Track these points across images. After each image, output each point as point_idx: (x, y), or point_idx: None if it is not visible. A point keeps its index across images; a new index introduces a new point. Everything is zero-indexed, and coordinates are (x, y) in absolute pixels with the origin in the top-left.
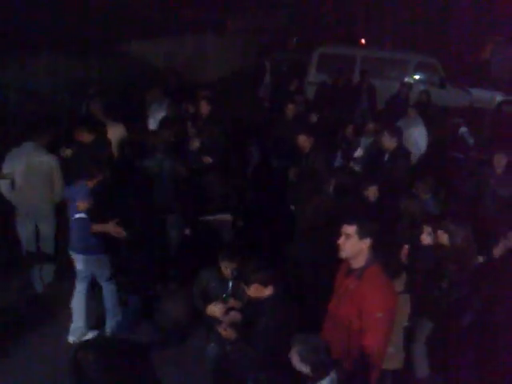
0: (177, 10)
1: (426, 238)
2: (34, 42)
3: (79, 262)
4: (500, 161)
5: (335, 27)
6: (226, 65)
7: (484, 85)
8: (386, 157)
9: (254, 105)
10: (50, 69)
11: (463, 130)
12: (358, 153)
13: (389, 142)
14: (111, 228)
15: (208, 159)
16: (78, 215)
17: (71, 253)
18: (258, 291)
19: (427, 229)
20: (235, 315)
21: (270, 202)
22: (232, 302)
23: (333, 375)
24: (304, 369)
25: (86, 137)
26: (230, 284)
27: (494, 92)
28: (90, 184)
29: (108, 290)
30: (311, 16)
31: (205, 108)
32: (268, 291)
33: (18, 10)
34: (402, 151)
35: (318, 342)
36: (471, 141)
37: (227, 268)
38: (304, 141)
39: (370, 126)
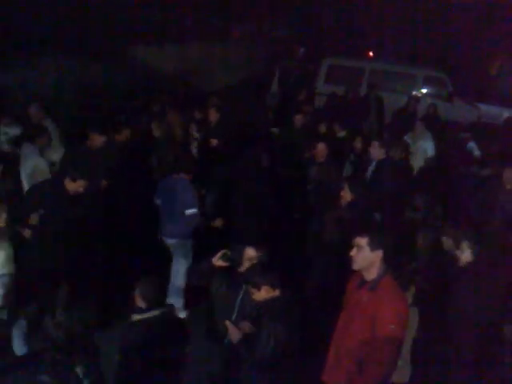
0: (183, 16)
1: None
2: (41, 46)
3: (178, 246)
4: (509, 176)
5: (343, 38)
6: (232, 72)
7: (491, 100)
8: (373, 167)
9: (259, 113)
10: (56, 72)
11: (471, 144)
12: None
13: (377, 153)
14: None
15: (214, 141)
16: (191, 211)
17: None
18: (268, 293)
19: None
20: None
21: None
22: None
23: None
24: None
25: (98, 139)
26: (242, 291)
27: (502, 107)
28: (189, 177)
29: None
30: (317, 26)
31: (213, 115)
32: (276, 293)
33: (25, 13)
34: (387, 162)
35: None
36: (478, 155)
37: (248, 257)
38: (323, 149)
39: (385, 137)
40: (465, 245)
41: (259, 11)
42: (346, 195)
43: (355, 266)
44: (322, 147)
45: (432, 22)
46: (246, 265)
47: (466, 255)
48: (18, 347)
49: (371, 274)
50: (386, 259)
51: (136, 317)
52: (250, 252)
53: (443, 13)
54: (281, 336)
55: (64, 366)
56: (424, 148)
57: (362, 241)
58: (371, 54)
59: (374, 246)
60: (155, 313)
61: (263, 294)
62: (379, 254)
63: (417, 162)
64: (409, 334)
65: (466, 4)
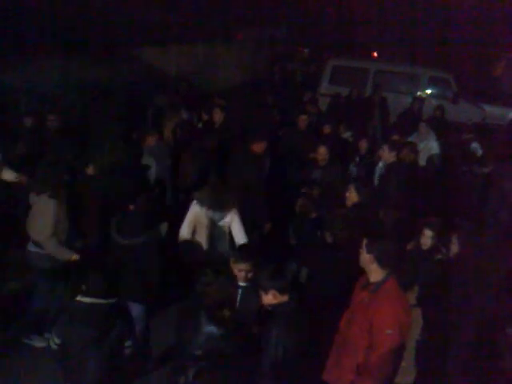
0: (188, 17)
1: (427, 242)
2: (45, 45)
3: None
4: None
5: (345, 39)
6: (236, 73)
7: (496, 101)
8: (383, 170)
9: (263, 114)
10: (61, 72)
11: (475, 145)
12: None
13: (387, 156)
14: None
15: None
16: None
17: None
18: (275, 298)
19: (428, 232)
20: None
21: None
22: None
23: None
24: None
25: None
26: (240, 290)
27: (507, 108)
28: None
29: None
30: (320, 27)
31: (218, 116)
32: (284, 298)
33: (30, 12)
34: (398, 166)
35: None
36: (481, 156)
37: (241, 271)
38: (324, 152)
39: (394, 138)
40: (454, 238)
41: (261, 12)
42: (352, 196)
43: (360, 264)
44: (323, 150)
45: (435, 22)
46: (241, 275)
47: (454, 247)
48: None
49: (373, 277)
50: (382, 263)
51: (79, 298)
52: (241, 266)
53: (447, 13)
54: (289, 343)
55: None
56: (428, 148)
57: (364, 241)
58: (375, 54)
59: (368, 249)
60: (94, 300)
61: (270, 298)
62: (372, 257)
63: (421, 162)
64: (413, 335)
65: (469, 4)
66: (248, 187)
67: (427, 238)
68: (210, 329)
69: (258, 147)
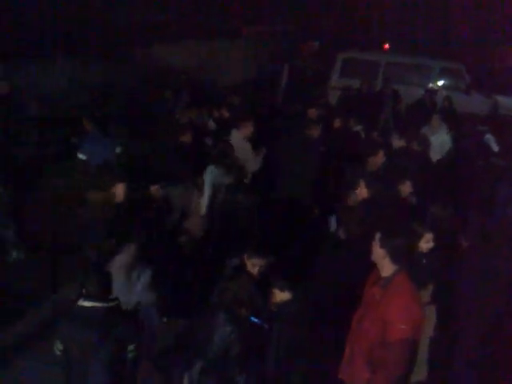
0: (193, 15)
1: (427, 246)
2: (49, 47)
3: None
4: None
5: (357, 32)
6: (245, 69)
7: (508, 92)
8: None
9: (271, 110)
10: (64, 72)
11: (488, 137)
12: None
13: (397, 142)
14: None
15: None
16: None
17: None
18: (278, 296)
19: (429, 236)
20: None
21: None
22: None
23: None
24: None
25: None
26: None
27: None
28: None
29: None
30: (330, 20)
31: (227, 114)
32: (285, 296)
33: (33, 15)
34: (407, 151)
35: None
36: (496, 148)
37: (255, 266)
38: (382, 156)
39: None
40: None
41: (269, 7)
42: (362, 191)
43: (372, 258)
44: (382, 154)
45: (447, 12)
46: (254, 271)
47: (463, 242)
48: None
49: (385, 271)
50: (394, 259)
51: (80, 302)
52: (256, 261)
53: (459, 3)
54: (291, 344)
55: None
56: (441, 141)
57: (377, 235)
58: (386, 46)
59: (382, 243)
60: (94, 304)
61: (271, 295)
62: (384, 252)
63: (434, 155)
64: (426, 332)
65: None
66: (305, 169)
67: (428, 241)
68: (229, 329)
69: (315, 132)
